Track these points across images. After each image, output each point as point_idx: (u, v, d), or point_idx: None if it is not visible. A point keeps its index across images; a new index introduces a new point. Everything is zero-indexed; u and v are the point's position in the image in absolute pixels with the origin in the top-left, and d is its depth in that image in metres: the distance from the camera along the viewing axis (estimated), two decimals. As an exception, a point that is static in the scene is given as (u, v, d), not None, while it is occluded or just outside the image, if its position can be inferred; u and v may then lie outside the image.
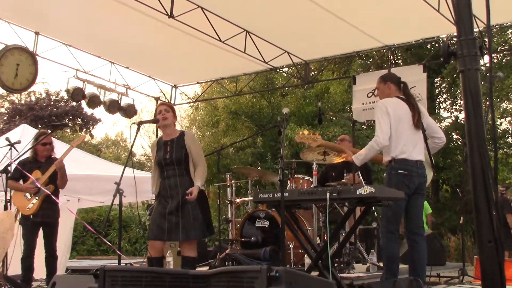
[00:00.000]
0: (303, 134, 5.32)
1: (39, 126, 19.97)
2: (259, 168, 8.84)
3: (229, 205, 7.73)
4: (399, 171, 4.80)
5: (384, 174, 5.12)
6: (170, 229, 4.99)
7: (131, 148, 5.29)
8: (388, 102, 4.91)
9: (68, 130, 25.45)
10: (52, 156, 6.50)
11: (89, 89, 9.55)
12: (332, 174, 7.23)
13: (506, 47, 14.48)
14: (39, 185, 6.11)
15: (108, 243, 9.50)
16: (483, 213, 2.08)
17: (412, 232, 4.94)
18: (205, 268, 6.45)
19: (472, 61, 2.13)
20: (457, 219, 14.13)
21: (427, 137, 5.07)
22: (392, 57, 10.90)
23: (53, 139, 6.80)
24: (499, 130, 16.77)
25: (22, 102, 25.73)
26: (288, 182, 6.86)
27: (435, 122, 5.54)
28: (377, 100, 8.94)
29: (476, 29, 7.47)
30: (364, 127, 16.10)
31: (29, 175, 6.18)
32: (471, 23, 2.16)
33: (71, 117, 26.09)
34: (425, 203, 10.89)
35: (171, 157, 5.11)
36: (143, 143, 26.47)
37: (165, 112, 5.22)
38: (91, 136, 28.10)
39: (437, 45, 12.89)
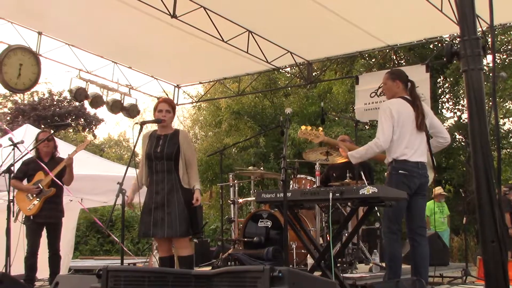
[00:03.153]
0: (306, 130, 5.31)
1: (42, 126, 20.01)
2: (261, 168, 8.83)
3: (231, 205, 7.72)
4: (400, 171, 4.79)
5: (385, 174, 5.11)
6: (155, 224, 4.97)
7: (134, 148, 5.27)
8: (393, 104, 4.89)
9: (71, 130, 25.50)
10: (56, 156, 6.54)
11: (92, 89, 9.56)
12: (334, 174, 7.22)
13: (509, 47, 14.44)
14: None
15: (116, 239, 9.51)
16: (486, 213, 2.07)
17: (414, 232, 4.93)
18: (208, 268, 6.46)
19: (475, 61, 2.12)
20: (460, 219, 14.10)
21: (431, 136, 5.05)
22: (395, 57, 10.90)
23: (57, 139, 6.83)
24: (502, 130, 16.75)
25: (25, 102, 25.79)
26: (291, 182, 6.85)
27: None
28: (380, 100, 8.99)
29: (479, 29, 7.46)
30: (367, 127, 16.09)
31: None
32: (474, 23, 2.16)
33: (74, 117, 26.16)
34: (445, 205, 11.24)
35: (162, 151, 5.09)
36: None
37: (166, 113, 5.18)
38: (94, 136, 28.15)
39: (440, 45, 12.88)
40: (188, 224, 5.01)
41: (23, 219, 6.31)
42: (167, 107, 5.24)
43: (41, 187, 6.26)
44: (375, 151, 4.87)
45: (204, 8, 7.92)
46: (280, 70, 11.20)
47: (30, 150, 6.35)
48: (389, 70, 5.53)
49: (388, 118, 4.80)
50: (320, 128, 5.38)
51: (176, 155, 5.09)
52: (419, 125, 4.84)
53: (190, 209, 5.06)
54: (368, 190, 4.09)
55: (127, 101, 10.21)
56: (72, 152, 6.44)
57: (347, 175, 6.51)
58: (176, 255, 5.32)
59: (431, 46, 15.42)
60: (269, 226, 6.86)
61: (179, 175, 5.07)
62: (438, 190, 11.82)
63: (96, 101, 9.60)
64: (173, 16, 7.63)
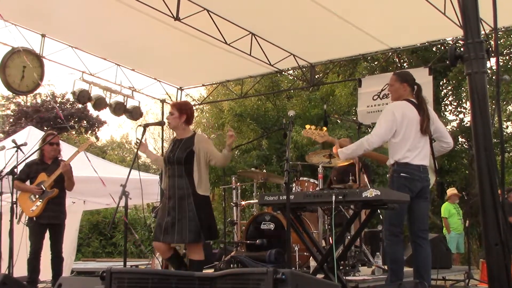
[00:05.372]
0: (310, 129, 5.31)
1: (45, 128, 20.03)
2: (264, 170, 8.83)
3: (234, 207, 7.72)
4: (401, 174, 4.79)
5: (388, 176, 5.11)
6: (166, 230, 4.95)
7: (137, 150, 5.29)
8: (398, 107, 4.88)
9: (74, 132, 25.52)
10: (59, 158, 6.54)
11: (95, 91, 9.56)
12: (335, 177, 7.22)
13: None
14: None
15: (137, 235, 9.49)
16: (489, 216, 2.07)
17: (416, 235, 4.92)
18: (211, 271, 6.45)
19: (479, 64, 2.13)
20: (463, 222, 14.11)
21: (434, 140, 5.05)
22: (397, 60, 10.88)
23: (60, 142, 6.84)
24: (505, 133, 16.71)
25: (28, 104, 25.82)
26: (294, 184, 6.85)
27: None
28: (383, 103, 8.98)
29: (481, 32, 7.45)
30: (370, 130, 16.08)
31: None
32: (478, 26, 2.16)
33: (76, 119, 26.15)
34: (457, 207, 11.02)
35: (173, 156, 5.08)
36: (148, 146, 26.49)
37: (169, 115, 5.22)
38: (97, 138, 28.15)
39: (442, 47, 12.87)
40: (199, 230, 4.92)
41: (26, 221, 6.32)
42: (170, 109, 5.27)
43: (44, 188, 6.27)
44: (366, 148, 4.86)
45: (207, 11, 7.94)
46: (283, 72, 11.22)
47: (36, 151, 6.36)
48: (397, 71, 5.52)
49: (389, 119, 4.80)
50: (324, 128, 5.37)
51: (187, 159, 5.03)
52: (424, 129, 4.83)
53: (202, 215, 4.98)
54: (371, 192, 4.09)
55: (130, 103, 10.21)
56: (68, 159, 6.43)
57: (350, 177, 6.51)
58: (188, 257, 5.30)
59: (434, 49, 15.43)
60: (272, 229, 6.86)
61: (193, 180, 5.01)
62: (452, 191, 11.54)
63: (99, 103, 9.61)
64: (176, 18, 7.64)
